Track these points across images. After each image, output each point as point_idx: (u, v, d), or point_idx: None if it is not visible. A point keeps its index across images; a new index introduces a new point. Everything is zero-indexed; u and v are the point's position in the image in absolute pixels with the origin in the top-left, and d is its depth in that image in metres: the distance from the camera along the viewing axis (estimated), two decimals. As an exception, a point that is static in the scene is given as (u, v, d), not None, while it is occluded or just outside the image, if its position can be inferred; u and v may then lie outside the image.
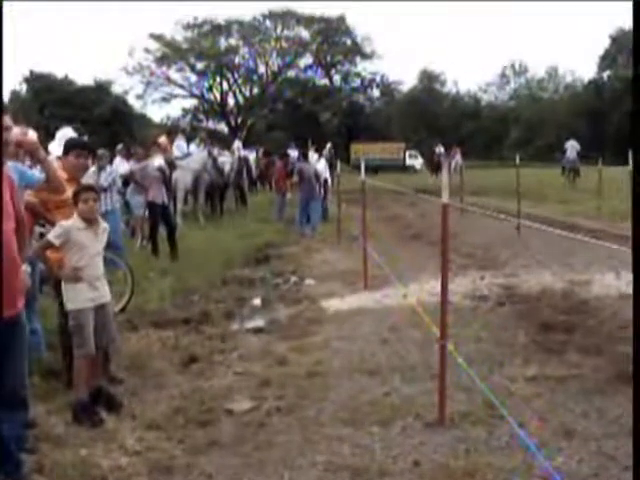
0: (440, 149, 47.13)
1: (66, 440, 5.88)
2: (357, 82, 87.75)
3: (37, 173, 6.74)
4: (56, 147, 9.35)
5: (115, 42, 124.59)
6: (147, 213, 16.16)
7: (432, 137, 63.68)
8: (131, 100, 75.05)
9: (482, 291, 11.19)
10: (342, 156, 41.03)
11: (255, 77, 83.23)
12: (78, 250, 6.44)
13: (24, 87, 64.96)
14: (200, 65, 79.91)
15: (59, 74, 66.63)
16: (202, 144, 25.81)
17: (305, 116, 79.34)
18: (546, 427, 5.89)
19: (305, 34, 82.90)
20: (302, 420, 6.26)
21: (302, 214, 20.16)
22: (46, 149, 11.62)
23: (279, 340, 8.96)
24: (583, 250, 13.73)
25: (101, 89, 67.03)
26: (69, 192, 6.81)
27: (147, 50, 76.91)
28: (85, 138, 10.58)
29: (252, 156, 33.13)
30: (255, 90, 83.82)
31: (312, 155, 22.71)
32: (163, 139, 21.65)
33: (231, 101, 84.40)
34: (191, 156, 23.41)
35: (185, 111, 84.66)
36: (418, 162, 63.59)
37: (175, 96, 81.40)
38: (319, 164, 22.42)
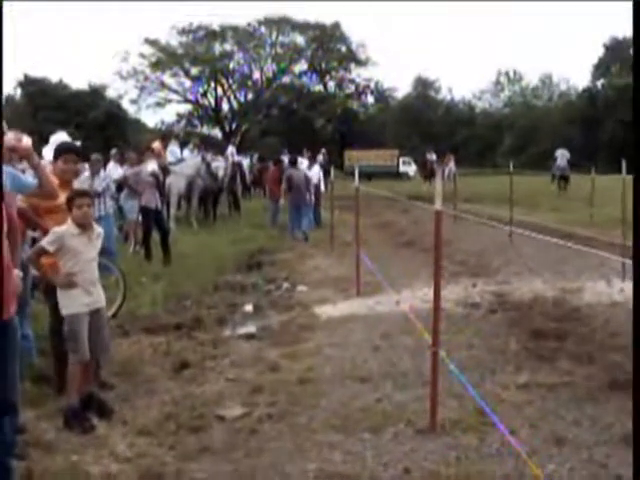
0: (432, 156, 47.17)
1: (56, 446, 5.87)
2: (351, 89, 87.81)
3: (30, 178, 6.73)
4: (49, 152, 9.34)
5: (110, 47, 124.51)
6: (140, 218, 16.14)
7: (426, 144, 63.59)
8: (125, 105, 75.00)
9: (474, 298, 11.20)
10: (336, 162, 41.05)
11: (250, 83, 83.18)
12: (72, 256, 6.44)
13: (18, 91, 64.91)
14: (195, 70, 79.85)
15: (53, 78, 66.65)
16: (196, 149, 25.82)
17: (299, 122, 79.35)
18: (537, 434, 5.90)
19: (300, 40, 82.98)
20: (293, 427, 6.26)
21: (293, 220, 20.21)
22: (40, 154, 11.65)
23: (271, 346, 8.95)
24: (575, 258, 13.76)
25: (95, 93, 66.95)
26: (61, 197, 6.80)
27: (142, 55, 76.86)
28: (79, 143, 10.56)
29: (246, 162, 33.14)
30: (250, 96, 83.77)
31: (301, 161, 22.71)
32: (157, 144, 21.63)
33: (225, 106, 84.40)
34: (185, 161, 23.42)
35: (179, 116, 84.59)
36: (412, 169, 63.57)
37: (169, 101, 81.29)
38: (312, 170, 22.44)
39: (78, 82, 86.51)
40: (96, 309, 6.60)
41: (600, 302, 10.69)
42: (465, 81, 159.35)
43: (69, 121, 51.14)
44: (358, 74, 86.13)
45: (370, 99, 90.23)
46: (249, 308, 11.30)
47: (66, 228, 6.44)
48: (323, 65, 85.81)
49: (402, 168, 64.03)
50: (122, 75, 76.39)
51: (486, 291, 11.66)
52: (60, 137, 10.56)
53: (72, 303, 6.43)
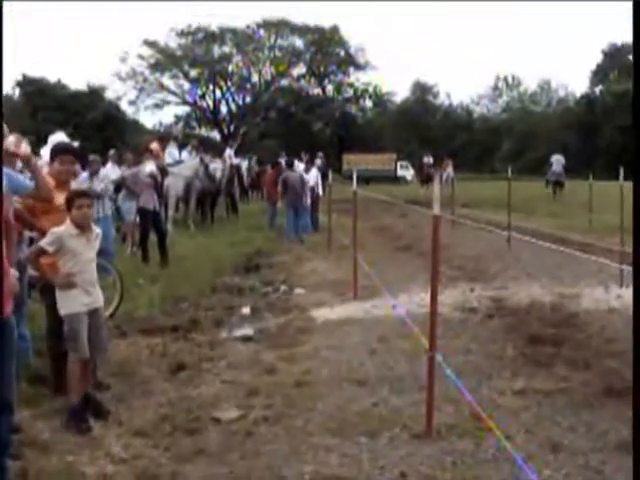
0: (429, 159, 47.20)
1: (52, 446, 5.86)
2: (350, 92, 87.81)
3: (27, 180, 6.73)
4: (48, 152, 9.33)
5: (109, 48, 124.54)
6: (138, 219, 16.14)
7: (424, 148, 63.63)
8: (124, 106, 75.00)
9: (472, 303, 11.19)
10: (334, 166, 41.04)
11: (248, 85, 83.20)
12: (72, 256, 6.44)
13: (17, 91, 64.85)
14: (193, 72, 79.94)
15: (52, 78, 66.59)
16: (194, 151, 25.82)
17: (298, 125, 79.39)
18: (533, 440, 5.90)
19: (299, 44, 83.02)
20: (290, 430, 6.25)
21: (290, 223, 20.25)
22: (38, 154, 11.67)
23: (268, 349, 8.94)
24: (573, 263, 13.77)
25: (94, 94, 66.88)
26: (59, 198, 6.80)
27: (141, 56, 76.93)
28: (77, 143, 10.56)
29: (244, 164, 33.15)
30: (248, 98, 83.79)
31: (297, 164, 22.75)
32: (155, 145, 21.62)
33: (224, 109, 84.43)
34: (183, 163, 23.43)
35: (178, 118, 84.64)
36: (409, 173, 63.58)
37: (168, 103, 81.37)
38: (310, 173, 22.47)
39: (77, 83, 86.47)
40: (95, 309, 6.61)
41: (597, 308, 10.69)
42: (463, 86, 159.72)
43: (67, 121, 51.06)
44: (357, 78, 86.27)
45: (368, 103, 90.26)
46: (246, 310, 11.30)
47: (65, 229, 6.44)
48: (322, 69, 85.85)
49: (400, 172, 64.05)
50: (121, 76, 76.58)
51: (483, 296, 11.66)
52: (58, 137, 10.57)
53: (72, 303, 6.43)
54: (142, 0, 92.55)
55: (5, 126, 5.97)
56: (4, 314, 4.76)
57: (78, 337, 6.40)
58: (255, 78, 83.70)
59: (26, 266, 6.95)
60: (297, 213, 20.34)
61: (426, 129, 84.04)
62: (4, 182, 5.51)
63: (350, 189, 12.85)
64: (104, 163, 16.50)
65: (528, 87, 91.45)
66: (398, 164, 64.99)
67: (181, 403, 6.93)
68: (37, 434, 6.04)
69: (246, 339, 9.51)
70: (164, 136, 30.38)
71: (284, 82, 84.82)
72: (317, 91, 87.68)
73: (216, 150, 36.31)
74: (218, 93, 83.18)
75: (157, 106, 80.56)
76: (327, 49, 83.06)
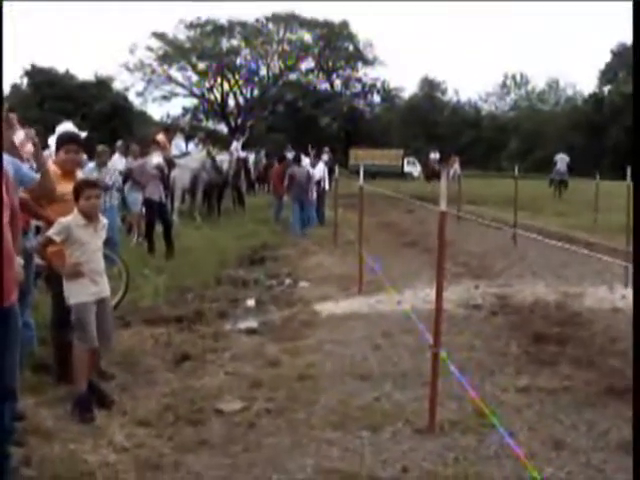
0: (436, 156, 47.14)
1: (55, 434, 5.87)
2: (358, 87, 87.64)
3: (33, 172, 6.76)
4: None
5: (118, 39, 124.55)
6: (144, 210, 16.17)
7: (431, 145, 63.55)
8: (131, 97, 74.92)
9: (476, 300, 11.20)
10: (341, 161, 41.02)
11: (256, 79, 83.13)
12: (79, 246, 6.45)
13: (25, 80, 64.80)
14: (202, 65, 79.87)
15: (60, 68, 66.56)
16: (201, 144, 25.82)
17: (305, 119, 79.24)
18: (536, 438, 5.90)
19: (307, 38, 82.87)
20: (292, 422, 6.26)
21: (296, 217, 20.28)
22: (45, 143, 11.70)
23: (272, 342, 8.95)
24: (578, 262, 13.77)
25: (102, 85, 66.85)
26: (65, 187, 6.81)
27: (149, 48, 76.88)
28: (85, 134, 10.56)
29: (251, 157, 33.14)
30: (256, 92, 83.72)
31: (304, 159, 22.76)
32: (161, 136, 21.63)
33: (231, 102, 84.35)
34: (190, 155, 23.42)
35: (185, 110, 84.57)
36: (416, 169, 63.46)
37: (176, 95, 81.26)
38: (316, 168, 22.47)
39: (85, 73, 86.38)
40: (102, 298, 6.62)
41: (601, 308, 10.69)
42: (471, 83, 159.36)
43: (75, 112, 51.02)
44: (365, 73, 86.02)
45: (376, 98, 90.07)
46: (251, 303, 11.32)
47: (72, 218, 6.44)
48: (330, 63, 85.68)
49: (406, 168, 63.95)
50: (129, 67, 76.50)
51: (488, 293, 11.66)
52: (66, 127, 10.57)
53: (80, 292, 6.44)
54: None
55: (15, 115, 6.00)
56: (9, 302, 4.77)
57: (86, 326, 6.42)
58: (263, 71, 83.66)
59: (32, 255, 6.97)
60: (302, 207, 20.38)
61: (433, 125, 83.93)
62: (11, 172, 5.53)
63: (356, 184, 12.85)
64: (111, 154, 16.50)
65: (536, 85, 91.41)
66: (405, 160, 64.93)
67: (184, 394, 6.94)
68: (40, 422, 6.06)
69: (250, 331, 9.53)
70: (169, 128, 30.29)
71: (292, 76, 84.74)
72: (325, 86, 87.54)
73: (223, 143, 36.32)
74: (226, 86, 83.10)
75: (165, 98, 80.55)
76: (336, 44, 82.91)
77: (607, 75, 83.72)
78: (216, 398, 6.82)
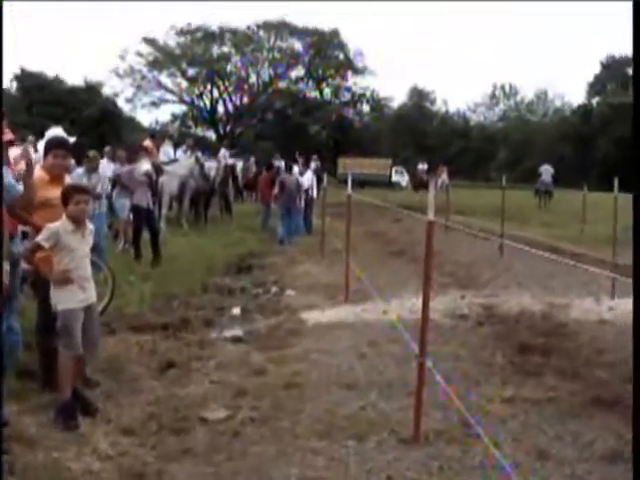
0: (424, 166, 47.26)
1: (39, 441, 5.84)
2: (347, 96, 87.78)
3: (17, 185, 6.76)
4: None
5: (108, 44, 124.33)
6: (131, 216, 16.14)
7: (420, 155, 63.78)
8: (121, 103, 74.90)
9: (462, 310, 11.21)
10: (329, 169, 41.06)
11: (246, 86, 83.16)
12: (68, 252, 6.42)
13: (14, 85, 64.64)
14: (192, 71, 79.89)
15: (50, 73, 66.47)
16: (189, 150, 25.80)
17: (294, 127, 79.27)
18: (520, 448, 5.90)
19: (298, 46, 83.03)
20: (277, 431, 6.24)
21: (284, 225, 20.31)
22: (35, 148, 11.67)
23: (257, 350, 8.94)
24: (564, 273, 13.80)
25: (91, 90, 66.79)
26: (51, 193, 6.80)
27: (139, 54, 76.89)
28: (74, 139, 10.54)
29: (239, 165, 33.11)
30: (245, 99, 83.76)
31: (296, 168, 22.84)
32: (148, 142, 21.57)
33: (221, 109, 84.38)
34: (178, 162, 23.37)
35: (174, 117, 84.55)
36: (404, 179, 63.58)
37: (165, 101, 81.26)
38: (305, 176, 22.51)
39: (74, 78, 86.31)
40: (89, 305, 6.59)
41: (588, 319, 10.71)
42: (461, 94, 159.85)
43: (64, 117, 50.97)
44: (354, 82, 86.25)
45: (365, 107, 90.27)
46: (237, 311, 11.30)
47: (61, 224, 6.41)
48: (320, 72, 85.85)
49: (395, 178, 64.08)
50: (119, 73, 76.47)
51: (474, 303, 11.68)
52: (55, 132, 10.54)
53: (68, 299, 6.40)
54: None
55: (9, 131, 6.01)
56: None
57: (72, 333, 6.38)
58: (253, 79, 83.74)
59: (19, 260, 6.94)
60: (290, 215, 20.45)
61: (422, 135, 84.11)
62: None
63: (345, 193, 12.86)
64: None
65: (525, 96, 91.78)
66: (393, 169, 65.06)
67: (169, 402, 6.92)
68: (24, 429, 6.02)
69: (236, 340, 9.51)
70: (155, 134, 30.21)
71: (282, 84, 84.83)
72: (315, 94, 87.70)
73: (211, 150, 36.29)
74: (215, 93, 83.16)
75: (154, 104, 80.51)
76: (326, 52, 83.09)
77: (596, 87, 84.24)
78: (201, 406, 6.80)
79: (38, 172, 7.22)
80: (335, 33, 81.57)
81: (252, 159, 37.24)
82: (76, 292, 6.44)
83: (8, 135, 6.99)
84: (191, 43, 78.78)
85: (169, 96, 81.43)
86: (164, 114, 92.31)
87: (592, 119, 74.72)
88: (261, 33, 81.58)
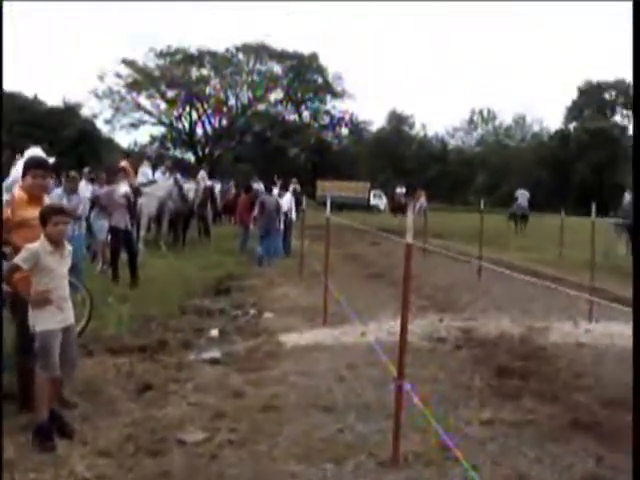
0: (402, 189, 47.41)
1: (16, 463, 5.80)
2: (326, 120, 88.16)
3: None
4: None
5: (87, 65, 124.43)
6: (109, 238, 16.08)
7: (398, 178, 64.03)
8: (99, 124, 74.91)
9: (440, 333, 11.21)
10: (308, 192, 41.15)
11: (225, 109, 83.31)
12: (47, 273, 6.39)
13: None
14: (171, 93, 79.96)
15: (29, 94, 66.42)
16: (168, 172, 25.77)
17: (273, 150, 79.50)
18: (499, 471, 5.89)
19: (277, 69, 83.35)
20: (255, 454, 6.21)
21: (263, 247, 20.35)
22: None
23: (235, 372, 8.90)
24: (542, 297, 13.85)
25: (70, 111, 66.75)
26: (30, 213, 6.77)
27: (118, 75, 76.92)
28: (53, 159, 10.50)
29: (217, 187, 33.11)
30: (224, 122, 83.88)
31: (275, 189, 22.94)
32: (124, 163, 21.51)
33: (199, 131, 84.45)
34: (157, 183, 23.35)
35: (153, 138, 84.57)
36: (382, 202, 63.88)
37: (144, 123, 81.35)
38: (284, 198, 22.57)
39: (53, 99, 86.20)
40: (67, 326, 6.55)
41: (566, 342, 10.74)
42: (439, 118, 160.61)
43: (43, 137, 50.86)
44: (333, 105, 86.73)
45: (344, 131, 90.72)
46: (215, 333, 11.25)
47: (40, 245, 6.38)
48: (299, 95, 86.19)
49: (373, 201, 64.37)
50: (97, 94, 76.40)
51: (453, 326, 11.68)
52: (34, 152, 10.49)
53: (46, 320, 6.37)
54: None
55: None
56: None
57: (50, 354, 6.34)
58: (232, 101, 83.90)
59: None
60: (269, 236, 20.51)
61: (401, 159, 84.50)
62: None
63: (323, 215, 12.87)
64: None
65: (503, 121, 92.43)
66: (371, 193, 65.32)
67: (146, 424, 6.87)
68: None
69: (214, 362, 9.46)
70: (130, 154, 30.23)
71: (261, 107, 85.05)
72: (294, 117, 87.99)
73: (189, 172, 36.28)
74: (194, 115, 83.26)
75: (133, 126, 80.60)
76: (305, 76, 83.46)
77: (573, 112, 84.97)
78: (178, 429, 6.76)
79: (17, 192, 7.19)
80: (314, 57, 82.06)
81: (231, 182, 37.29)
82: (54, 313, 6.40)
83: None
84: (170, 65, 78.96)
85: (148, 118, 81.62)
86: (143, 136, 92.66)
87: (570, 144, 75.36)
88: (240, 56, 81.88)
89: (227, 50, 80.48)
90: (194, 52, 79.07)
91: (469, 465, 5.43)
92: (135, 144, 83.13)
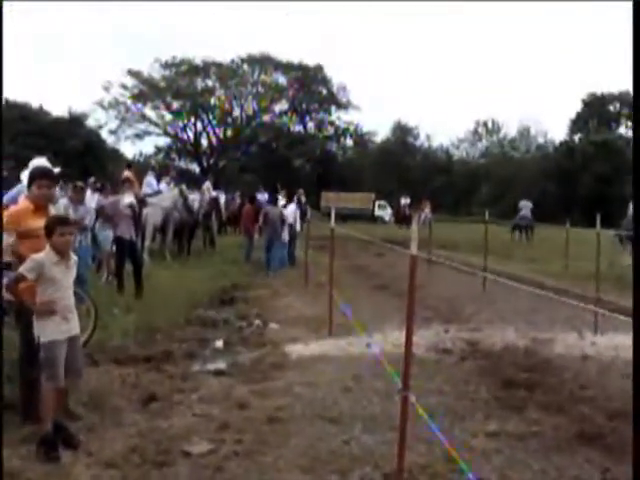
0: (406, 201, 47.37)
1: (20, 474, 5.79)
2: (331, 131, 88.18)
3: None
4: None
5: (93, 75, 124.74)
6: (114, 248, 16.08)
7: (403, 189, 64.00)
8: (104, 135, 74.98)
9: (446, 344, 11.20)
10: (312, 202, 41.15)
11: (230, 119, 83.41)
12: (52, 283, 6.39)
13: (-3, 115, 64.47)
14: (176, 104, 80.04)
15: (35, 104, 66.56)
16: (172, 182, 25.82)
17: (278, 161, 79.45)
18: (505, 484, 5.88)
19: (282, 80, 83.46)
20: (260, 465, 6.20)
21: (270, 257, 20.49)
22: (17, 177, 11.66)
23: (240, 383, 8.89)
24: (547, 308, 13.83)
25: (75, 122, 66.86)
26: (36, 223, 6.77)
27: (124, 86, 77.04)
28: (58, 169, 10.51)
29: (222, 197, 33.15)
30: (229, 132, 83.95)
31: (280, 199, 22.98)
32: (127, 173, 21.49)
33: (204, 142, 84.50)
34: (162, 193, 23.38)
35: (158, 149, 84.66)
36: (387, 213, 63.86)
37: (149, 133, 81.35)
38: (288, 209, 22.58)
39: (59, 109, 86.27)
40: (72, 336, 6.56)
41: (571, 354, 10.72)
42: (444, 129, 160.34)
43: (47, 147, 50.89)
44: (338, 117, 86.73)
45: (349, 142, 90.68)
46: (220, 344, 11.26)
47: (45, 255, 6.39)
48: (304, 106, 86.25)
49: (377, 212, 64.35)
50: (103, 105, 76.51)
51: (458, 338, 11.67)
52: (40, 162, 10.50)
53: (51, 331, 6.37)
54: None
55: None
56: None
57: (55, 365, 6.35)
58: (237, 112, 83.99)
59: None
60: (272, 246, 20.67)
61: (405, 170, 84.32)
62: None
63: (328, 226, 12.88)
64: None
65: (508, 133, 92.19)
66: (376, 204, 65.30)
67: (152, 435, 6.87)
68: (5, 462, 5.95)
69: (219, 373, 9.46)
70: (131, 164, 30.33)
71: (266, 118, 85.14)
72: (299, 128, 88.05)
73: (194, 182, 36.35)
74: (199, 126, 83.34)
75: (138, 136, 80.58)
76: (310, 87, 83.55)
77: (578, 124, 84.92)
78: (183, 440, 6.76)
79: (23, 202, 7.20)
80: (319, 68, 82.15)
81: (237, 193, 37.34)
82: (59, 323, 6.41)
83: None
84: (175, 76, 79.04)
85: (153, 128, 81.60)
86: (148, 146, 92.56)
87: (574, 156, 75.22)
88: (245, 67, 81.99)
89: (232, 61, 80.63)
90: (199, 63, 79.16)
91: (475, 477, 5.41)
92: (140, 155, 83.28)
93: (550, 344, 11.28)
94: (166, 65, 78.80)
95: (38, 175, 7.50)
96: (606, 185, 66.03)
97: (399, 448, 5.97)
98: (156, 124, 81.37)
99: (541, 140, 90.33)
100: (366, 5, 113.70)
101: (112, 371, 9.15)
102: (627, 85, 75.91)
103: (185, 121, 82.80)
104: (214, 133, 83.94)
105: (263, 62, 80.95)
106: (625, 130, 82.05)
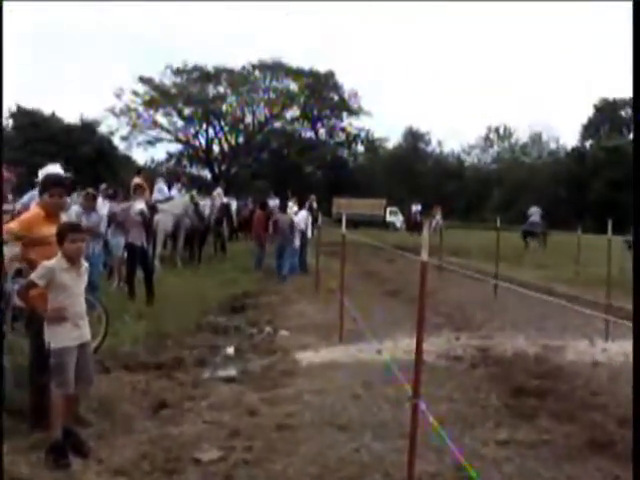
0: (417, 207, 47.28)
1: (29, 481, 5.79)
2: (342, 137, 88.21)
3: None
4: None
5: (104, 82, 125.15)
6: (125, 255, 16.11)
7: (414, 195, 63.96)
8: (116, 141, 75.11)
9: (457, 352, 11.17)
10: (324, 209, 41.17)
11: (241, 126, 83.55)
12: (63, 290, 6.41)
13: (10, 122, 64.66)
14: (187, 111, 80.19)
15: (46, 111, 66.71)
16: (183, 189, 25.86)
17: (289, 167, 79.47)
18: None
19: (293, 86, 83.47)
20: (269, 473, 6.19)
21: (282, 264, 20.52)
22: (32, 185, 11.71)
23: (251, 390, 8.88)
24: (558, 315, 13.78)
25: (87, 128, 67.01)
26: (47, 230, 6.79)
27: (135, 93, 77.20)
28: (69, 175, 10.55)
29: (234, 204, 33.18)
30: (241, 139, 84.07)
31: (291, 206, 22.97)
32: (138, 179, 21.51)
33: (216, 148, 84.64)
34: (173, 200, 23.40)
35: (170, 155, 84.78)
36: (398, 219, 63.79)
37: (160, 140, 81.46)
38: (299, 215, 22.56)
39: (71, 116, 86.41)
40: (83, 343, 6.57)
41: (582, 361, 10.68)
42: (455, 135, 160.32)
43: (59, 154, 51.03)
44: (349, 123, 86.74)
45: (360, 148, 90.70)
46: (230, 351, 11.26)
47: (56, 262, 6.41)
48: (315, 112, 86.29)
49: (389, 218, 64.28)
50: (115, 112, 76.67)
51: (469, 345, 11.63)
52: (53, 169, 10.54)
53: (62, 337, 6.39)
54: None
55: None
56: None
57: (65, 371, 6.36)
58: (248, 119, 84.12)
59: (9, 298, 6.92)
60: (283, 252, 20.69)
61: (417, 176, 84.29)
62: None
63: (339, 232, 12.87)
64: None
65: (519, 138, 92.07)
66: (387, 210, 65.26)
67: (162, 442, 6.86)
68: (14, 468, 5.97)
69: (229, 380, 9.46)
70: (141, 170, 30.50)
71: (277, 124, 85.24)
72: (310, 134, 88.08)
73: (206, 189, 36.39)
74: (211, 132, 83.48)
75: (149, 143, 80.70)
76: (321, 93, 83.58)
77: (589, 130, 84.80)
78: (193, 447, 6.75)
79: (34, 209, 7.22)
80: (330, 74, 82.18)
81: (249, 199, 37.40)
82: (70, 330, 6.42)
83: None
84: (187, 83, 79.22)
85: (165, 135, 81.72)
86: (160, 153, 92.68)
87: (586, 161, 75.07)
88: (257, 73, 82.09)
89: (243, 68, 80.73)
90: (211, 70, 79.30)
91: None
92: (152, 161, 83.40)
93: (561, 351, 11.24)
94: (177, 72, 78.97)
95: (51, 183, 7.52)
96: (617, 191, 65.80)
97: (409, 456, 5.95)
98: (168, 130, 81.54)
99: (553, 146, 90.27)
100: (378, 5, 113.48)
101: (123, 378, 9.16)
102: (639, 91, 75.68)
103: (197, 128, 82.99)
104: (225, 139, 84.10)
105: (274, 68, 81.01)
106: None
